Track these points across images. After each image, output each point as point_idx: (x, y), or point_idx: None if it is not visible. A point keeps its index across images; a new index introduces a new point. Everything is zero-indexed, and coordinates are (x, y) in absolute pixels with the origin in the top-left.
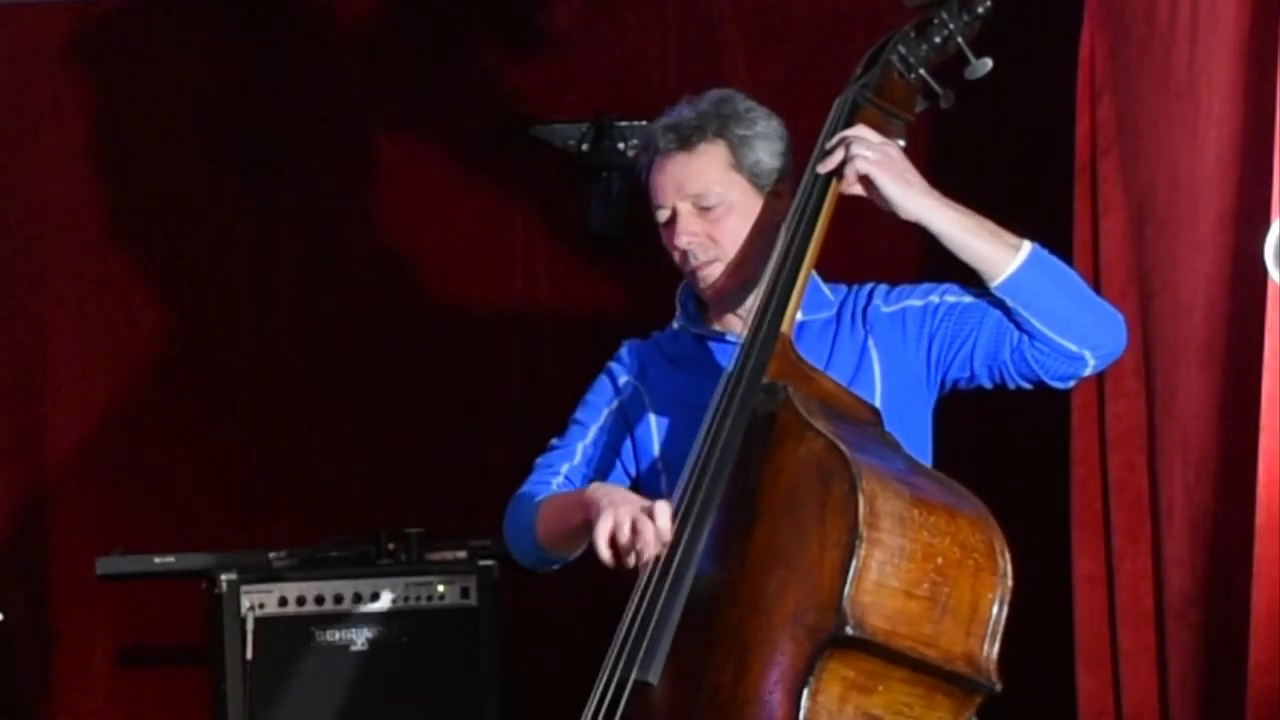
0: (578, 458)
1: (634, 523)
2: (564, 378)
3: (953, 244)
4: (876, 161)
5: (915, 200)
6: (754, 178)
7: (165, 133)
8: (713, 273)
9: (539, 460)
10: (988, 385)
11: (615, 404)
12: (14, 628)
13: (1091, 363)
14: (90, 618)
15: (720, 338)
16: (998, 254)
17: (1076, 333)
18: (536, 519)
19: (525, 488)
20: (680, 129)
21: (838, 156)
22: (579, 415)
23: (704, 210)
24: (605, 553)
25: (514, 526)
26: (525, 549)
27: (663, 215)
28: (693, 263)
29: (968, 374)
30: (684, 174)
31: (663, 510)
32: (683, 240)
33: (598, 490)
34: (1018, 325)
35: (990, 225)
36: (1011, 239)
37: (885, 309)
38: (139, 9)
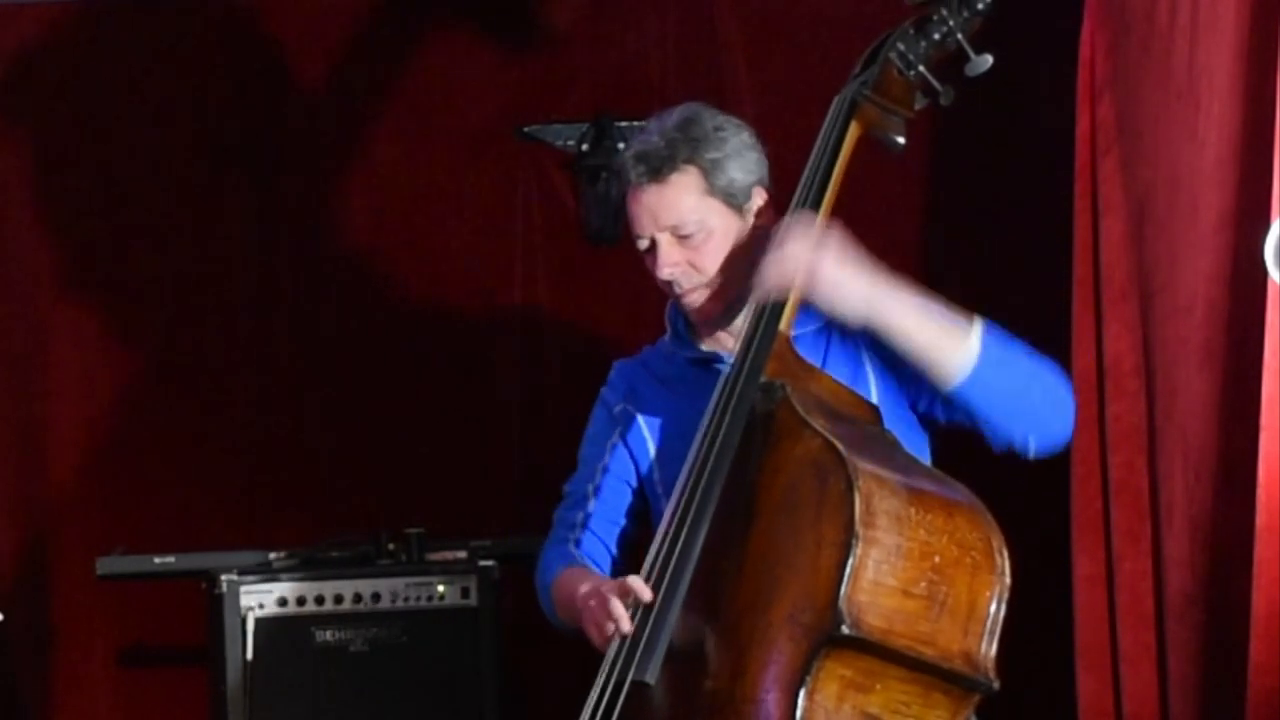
0: (591, 504)
1: (606, 623)
2: (564, 378)
3: (902, 347)
4: (806, 276)
5: (851, 304)
6: (729, 198)
7: (165, 133)
8: (698, 298)
9: (557, 513)
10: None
11: (616, 435)
12: (14, 628)
13: (1033, 448)
14: (90, 618)
15: (712, 359)
16: (946, 358)
17: (1023, 424)
18: (554, 604)
19: (546, 549)
20: (649, 159)
21: (769, 287)
22: (585, 452)
23: (683, 239)
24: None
25: (541, 597)
26: (553, 621)
27: (642, 244)
28: (677, 290)
29: (929, 412)
30: (658, 205)
31: (624, 592)
32: (665, 272)
33: (578, 595)
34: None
35: (942, 322)
36: (961, 336)
37: None
38: (139, 9)
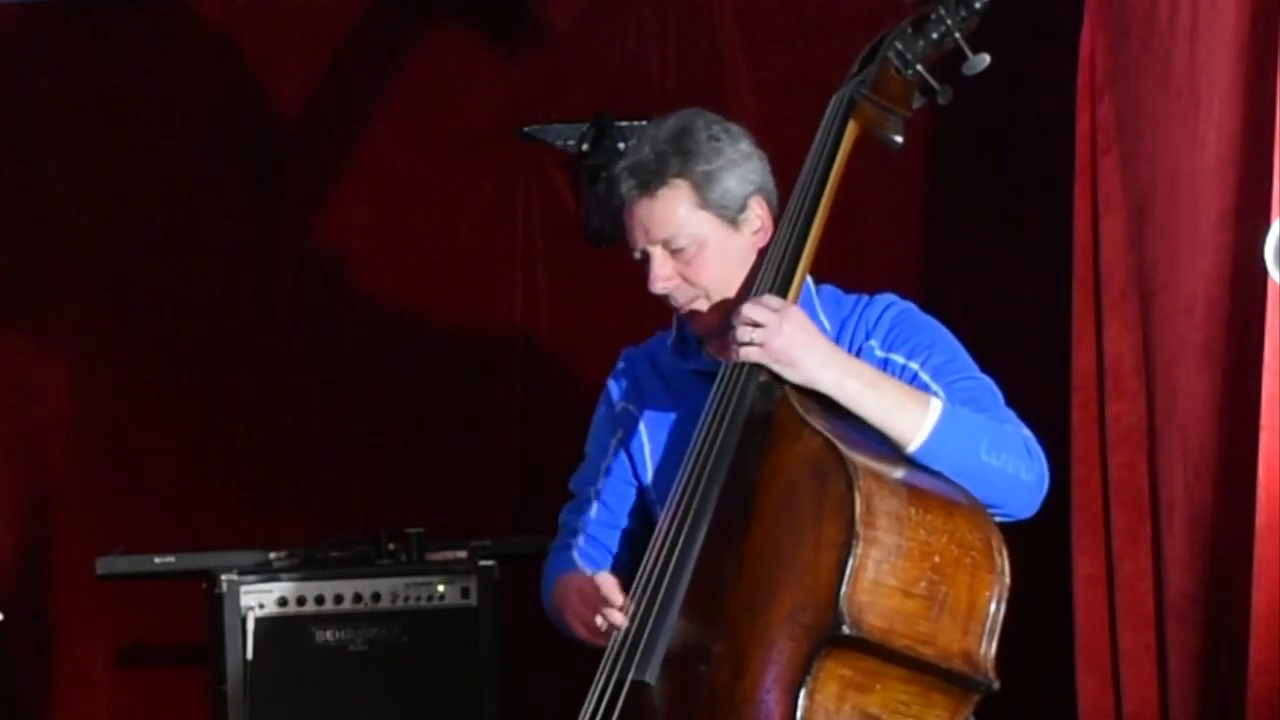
0: (594, 509)
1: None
2: (564, 378)
3: (860, 414)
4: (762, 349)
5: (808, 376)
6: (723, 210)
7: (166, 133)
8: (697, 310)
9: (563, 516)
10: None
11: (617, 437)
12: (14, 628)
13: (996, 514)
14: (90, 618)
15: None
16: (896, 433)
17: (980, 495)
18: (555, 608)
19: (551, 555)
20: (640, 172)
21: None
22: (590, 448)
23: (675, 252)
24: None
25: (546, 603)
26: (558, 627)
27: (636, 256)
28: (674, 304)
29: None
30: (649, 219)
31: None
32: (658, 286)
33: (564, 607)
34: None
35: (896, 395)
36: (916, 416)
37: (879, 353)
38: (141, 9)
